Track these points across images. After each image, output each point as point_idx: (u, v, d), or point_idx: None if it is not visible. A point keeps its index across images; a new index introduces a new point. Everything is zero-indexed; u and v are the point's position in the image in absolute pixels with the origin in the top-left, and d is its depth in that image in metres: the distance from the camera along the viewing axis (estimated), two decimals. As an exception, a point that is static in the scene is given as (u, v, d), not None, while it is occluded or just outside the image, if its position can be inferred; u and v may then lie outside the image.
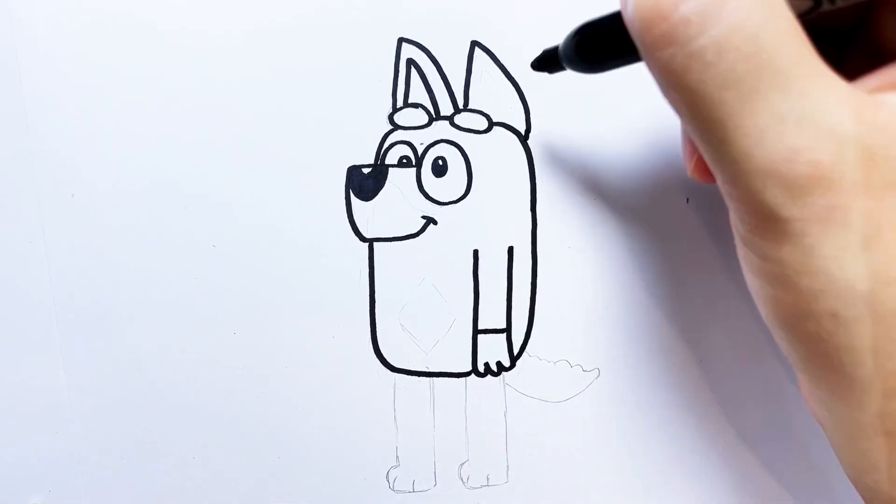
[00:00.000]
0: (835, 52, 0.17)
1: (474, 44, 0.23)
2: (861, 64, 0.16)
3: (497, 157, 0.24)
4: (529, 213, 0.24)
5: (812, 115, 0.14)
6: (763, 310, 0.17)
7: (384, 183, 0.24)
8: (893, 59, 0.15)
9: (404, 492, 0.25)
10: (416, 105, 0.23)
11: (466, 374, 0.25)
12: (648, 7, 0.14)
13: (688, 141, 0.19)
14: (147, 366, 0.24)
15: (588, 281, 0.24)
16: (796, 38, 0.14)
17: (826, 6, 0.15)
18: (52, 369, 0.24)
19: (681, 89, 0.15)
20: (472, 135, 0.23)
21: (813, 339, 0.16)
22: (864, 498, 0.17)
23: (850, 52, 0.17)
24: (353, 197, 0.24)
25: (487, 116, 0.23)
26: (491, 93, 0.23)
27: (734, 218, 0.16)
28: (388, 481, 0.25)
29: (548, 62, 0.20)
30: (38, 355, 0.24)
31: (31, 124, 0.23)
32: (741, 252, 0.17)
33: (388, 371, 0.25)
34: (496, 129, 0.23)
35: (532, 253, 0.24)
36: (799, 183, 0.14)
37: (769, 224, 0.15)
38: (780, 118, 0.14)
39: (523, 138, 0.23)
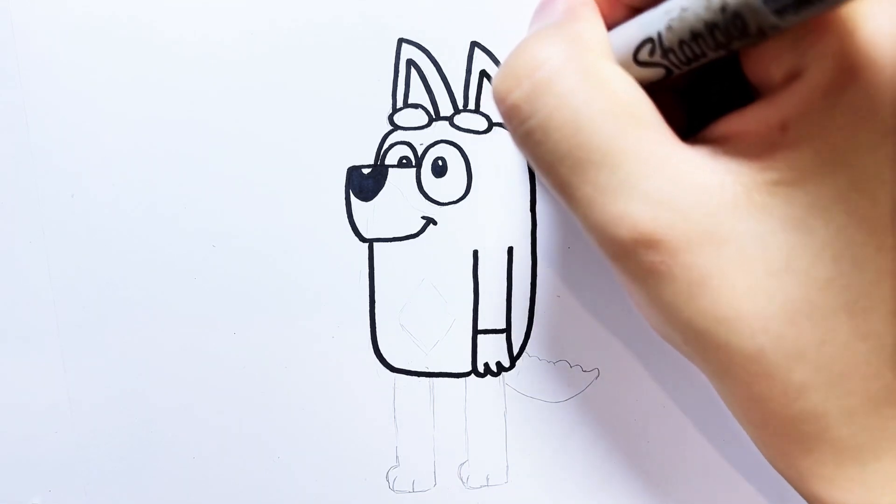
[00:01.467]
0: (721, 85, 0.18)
1: (474, 44, 0.23)
2: (739, 96, 0.17)
3: (497, 157, 0.24)
4: (529, 214, 0.24)
5: (629, 184, 0.15)
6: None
7: (384, 183, 0.24)
8: (759, 96, 0.16)
9: (404, 492, 0.25)
10: (415, 105, 0.23)
11: (466, 375, 0.25)
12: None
13: None
14: (147, 366, 0.24)
15: (588, 281, 0.24)
16: (616, 113, 0.15)
17: (677, 72, 0.16)
18: (52, 369, 0.25)
19: (526, 157, 0.17)
20: (471, 135, 0.23)
21: (682, 353, 0.18)
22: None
23: (731, 84, 0.18)
24: (352, 197, 0.24)
25: (487, 117, 0.23)
26: (491, 93, 0.23)
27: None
28: (387, 481, 0.25)
29: None
30: (38, 355, 0.24)
31: (31, 124, 0.23)
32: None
33: (388, 371, 0.25)
34: (496, 129, 0.23)
35: (532, 253, 0.24)
36: (624, 244, 0.16)
37: (615, 272, 0.17)
38: (602, 189, 0.15)
39: (523, 138, 0.23)
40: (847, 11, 0.14)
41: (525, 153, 0.17)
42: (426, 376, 0.25)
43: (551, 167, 0.16)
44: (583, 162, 0.15)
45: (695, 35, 0.15)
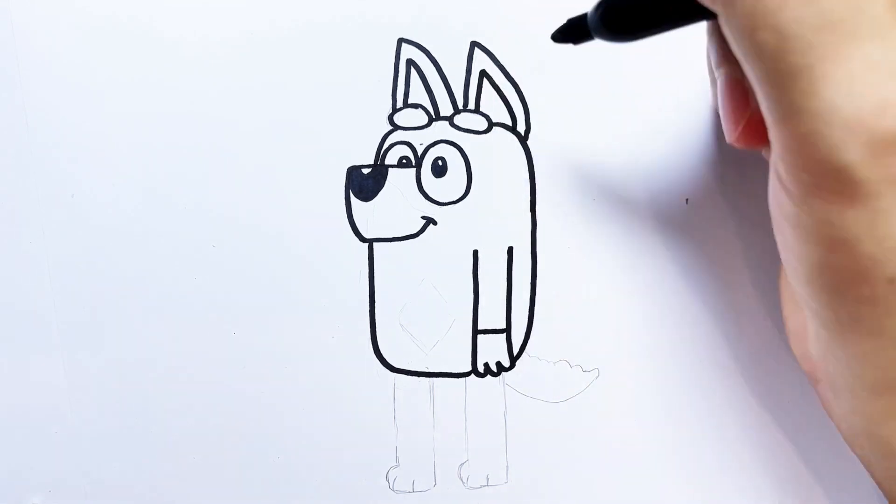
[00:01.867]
0: None
1: (474, 44, 0.23)
2: None
3: (497, 157, 0.24)
4: (529, 214, 0.24)
5: None
6: (803, 273, 0.16)
7: (384, 183, 0.24)
8: None
9: (404, 492, 0.25)
10: (415, 105, 0.23)
11: (466, 375, 0.25)
12: None
13: (733, 104, 0.18)
14: (147, 366, 0.24)
15: (588, 281, 0.24)
16: None
17: None
18: (52, 369, 0.25)
19: (770, 30, 0.14)
20: (471, 135, 0.23)
21: (859, 301, 0.15)
22: (871, 451, 0.17)
23: None
24: (352, 197, 0.24)
25: (487, 117, 0.23)
26: (491, 93, 0.23)
27: (789, 179, 0.15)
28: (387, 481, 0.25)
29: (572, 32, 0.19)
30: (38, 355, 0.24)
31: (31, 125, 0.23)
32: (789, 214, 0.16)
33: (388, 371, 0.25)
34: (496, 129, 0.23)
35: (532, 253, 0.24)
36: (885, 139, 0.13)
37: (838, 185, 0.14)
38: (874, 67, 0.13)
39: (523, 139, 0.23)
40: None
41: (775, 17, 0.14)
42: (426, 376, 0.25)
43: (810, 34, 0.13)
44: (858, 32, 0.13)
45: None
